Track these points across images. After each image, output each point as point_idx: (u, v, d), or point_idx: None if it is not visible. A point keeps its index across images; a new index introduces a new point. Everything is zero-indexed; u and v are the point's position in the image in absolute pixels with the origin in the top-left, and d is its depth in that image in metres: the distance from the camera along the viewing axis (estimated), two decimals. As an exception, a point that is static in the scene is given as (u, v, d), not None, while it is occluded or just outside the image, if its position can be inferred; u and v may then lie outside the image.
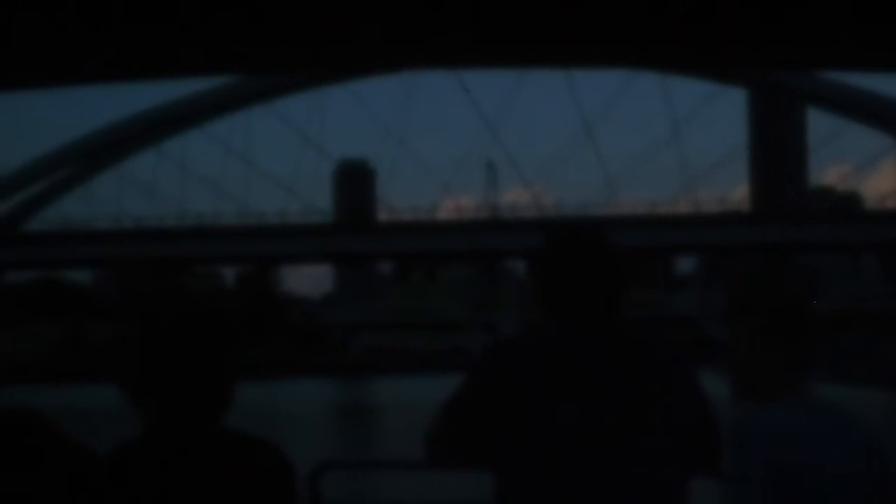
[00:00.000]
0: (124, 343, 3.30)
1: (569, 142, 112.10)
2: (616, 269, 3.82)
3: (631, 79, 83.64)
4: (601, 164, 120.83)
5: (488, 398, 3.74)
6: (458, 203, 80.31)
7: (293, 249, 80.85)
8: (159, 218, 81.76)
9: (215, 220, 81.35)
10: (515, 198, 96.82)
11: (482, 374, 3.78)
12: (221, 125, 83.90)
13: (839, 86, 75.79)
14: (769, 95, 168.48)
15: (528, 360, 3.74)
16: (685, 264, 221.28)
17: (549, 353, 3.74)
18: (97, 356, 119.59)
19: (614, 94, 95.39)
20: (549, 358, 3.73)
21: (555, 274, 3.82)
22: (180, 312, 3.30)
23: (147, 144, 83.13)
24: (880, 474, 3.87)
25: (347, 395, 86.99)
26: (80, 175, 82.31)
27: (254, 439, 3.34)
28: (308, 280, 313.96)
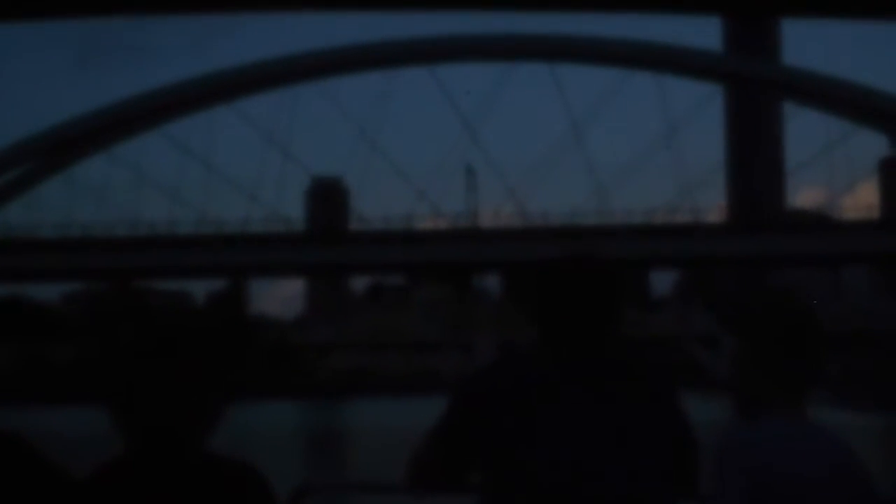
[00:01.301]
0: (111, 362, 3.19)
1: (556, 145, 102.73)
2: (613, 294, 3.74)
3: (624, 78, 75.83)
4: (591, 170, 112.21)
5: (474, 423, 3.68)
6: (435, 211, 70.82)
7: (258, 260, 73.01)
8: (109, 226, 73.92)
9: (171, 229, 73.46)
10: (497, 206, 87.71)
11: (469, 398, 3.72)
12: (180, 127, 74.91)
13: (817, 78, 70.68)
14: (747, 95, 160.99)
15: (515, 384, 3.67)
16: (662, 283, 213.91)
17: (536, 379, 3.67)
18: (57, 378, 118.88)
19: (605, 94, 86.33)
20: (536, 383, 3.66)
21: (551, 303, 3.73)
22: (167, 332, 3.20)
23: (98, 147, 75.15)
24: (861, 497, 3.81)
25: (318, 418, 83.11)
26: (25, 180, 74.38)
27: (236, 462, 3.25)
28: (279, 300, 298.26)
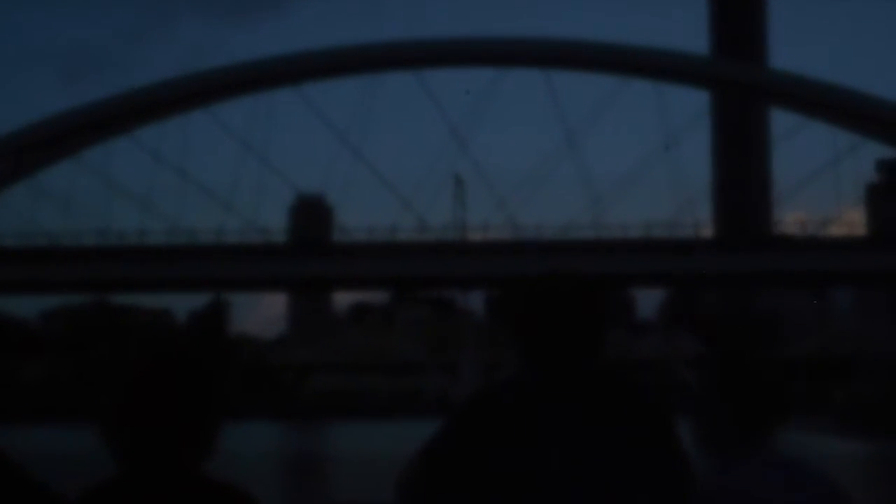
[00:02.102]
0: (107, 384, 3.15)
1: (549, 155, 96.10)
2: (598, 319, 3.72)
3: (621, 85, 70.98)
4: (586, 182, 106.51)
5: (464, 448, 3.64)
6: (421, 223, 65.62)
7: (234, 273, 67.87)
8: (76, 235, 68.88)
9: (141, 239, 68.36)
10: (487, 218, 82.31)
11: (459, 423, 3.69)
12: (152, 132, 69.82)
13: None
14: (735, 105, 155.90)
15: (506, 411, 3.64)
16: (646, 306, 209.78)
17: (527, 405, 3.64)
18: (28, 396, 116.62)
19: (602, 101, 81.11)
20: (526, 410, 3.63)
21: (535, 326, 3.72)
22: (163, 355, 3.15)
23: (65, 152, 70.02)
24: None
25: (298, 442, 79.45)
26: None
27: (228, 485, 3.21)
28: (261, 320, 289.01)
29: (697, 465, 3.78)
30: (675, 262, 66.88)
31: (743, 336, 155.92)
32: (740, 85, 72.60)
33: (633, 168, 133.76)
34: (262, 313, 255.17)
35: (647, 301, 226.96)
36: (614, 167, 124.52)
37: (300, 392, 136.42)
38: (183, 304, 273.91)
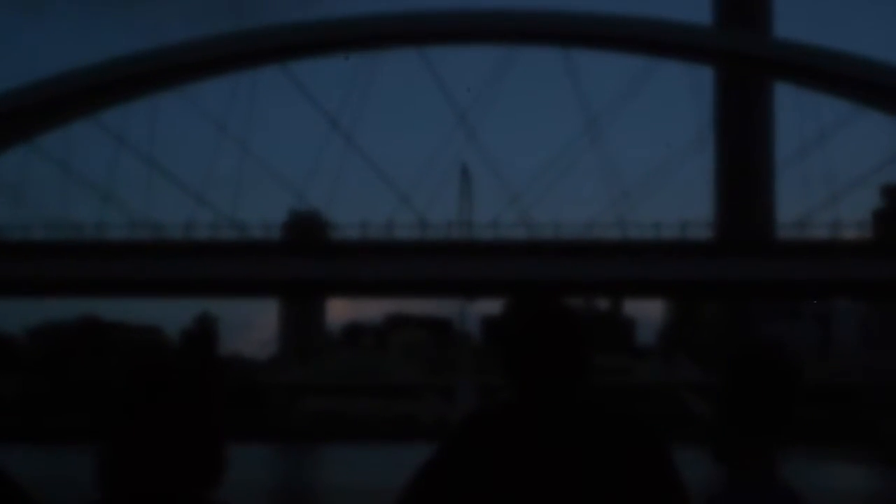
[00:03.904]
0: (94, 406, 3.32)
1: (569, 144, 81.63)
2: (582, 344, 3.71)
3: (650, 68, 60.14)
4: (611, 175, 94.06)
5: (456, 474, 3.63)
6: (421, 220, 54.29)
7: (203, 273, 56.79)
8: (26, 228, 58.08)
9: (100, 233, 57.53)
10: (497, 215, 70.36)
11: (451, 447, 3.67)
12: (116, 114, 59.06)
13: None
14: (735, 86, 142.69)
15: (498, 437, 3.62)
16: (645, 332, 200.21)
17: (519, 431, 3.62)
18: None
19: (629, 85, 68.90)
20: (519, 436, 3.61)
21: (518, 350, 3.70)
22: (166, 376, 2.93)
23: (16, 135, 59.23)
24: None
25: (284, 469, 75.06)
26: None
27: None
28: (253, 341, 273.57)
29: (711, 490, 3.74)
30: (718, 267, 55.86)
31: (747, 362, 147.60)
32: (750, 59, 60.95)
33: (666, 160, 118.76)
34: (255, 334, 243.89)
35: (647, 324, 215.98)
36: (644, 159, 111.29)
37: (290, 414, 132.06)
38: (171, 320, 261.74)
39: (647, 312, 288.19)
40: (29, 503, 2.98)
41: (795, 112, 64.24)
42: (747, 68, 68.50)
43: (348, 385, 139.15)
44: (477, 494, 3.55)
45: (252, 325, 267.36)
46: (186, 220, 58.69)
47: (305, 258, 56.92)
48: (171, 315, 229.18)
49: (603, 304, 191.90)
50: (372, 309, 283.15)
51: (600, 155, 79.99)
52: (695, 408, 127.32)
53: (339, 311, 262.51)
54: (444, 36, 60.58)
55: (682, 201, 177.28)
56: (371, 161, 69.51)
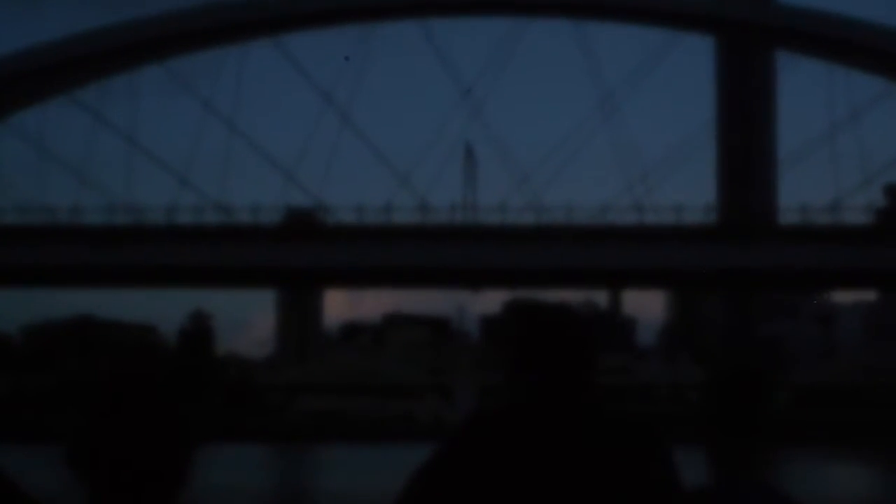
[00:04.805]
0: (79, 413, 2.94)
1: (582, 122, 75.21)
2: (587, 346, 3.69)
3: (670, 41, 55.22)
4: (627, 154, 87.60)
5: (456, 475, 3.59)
6: (421, 203, 48.95)
7: (187, 261, 51.72)
8: (-4, 211, 53.63)
9: (74, 217, 52.58)
10: (504, 198, 64.49)
11: (452, 448, 3.63)
12: (94, 90, 54.05)
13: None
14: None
15: (499, 438, 3.58)
16: (646, 332, 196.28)
17: (520, 432, 3.58)
18: None
19: (647, 59, 63.06)
20: (520, 437, 3.58)
21: (523, 352, 3.67)
22: (132, 377, 2.84)
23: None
24: None
25: (278, 471, 70.69)
26: None
27: None
28: (251, 340, 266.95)
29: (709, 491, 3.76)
30: (740, 254, 50.82)
31: (746, 361, 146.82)
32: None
33: (686, 139, 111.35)
34: (252, 333, 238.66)
35: (649, 325, 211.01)
36: (662, 138, 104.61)
37: (286, 414, 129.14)
38: (167, 317, 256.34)
39: (648, 312, 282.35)
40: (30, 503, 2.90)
41: (821, 89, 59.15)
42: (765, 40, 63.47)
43: (345, 384, 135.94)
44: (480, 495, 3.51)
45: (249, 324, 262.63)
46: (169, 203, 53.76)
47: (296, 244, 52.07)
48: (166, 312, 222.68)
49: (602, 302, 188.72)
50: (370, 308, 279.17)
51: (615, 134, 74.43)
52: (696, 407, 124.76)
53: (337, 309, 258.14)
54: (447, 7, 55.86)
55: (706, 183, 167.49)
56: (368, 140, 63.95)
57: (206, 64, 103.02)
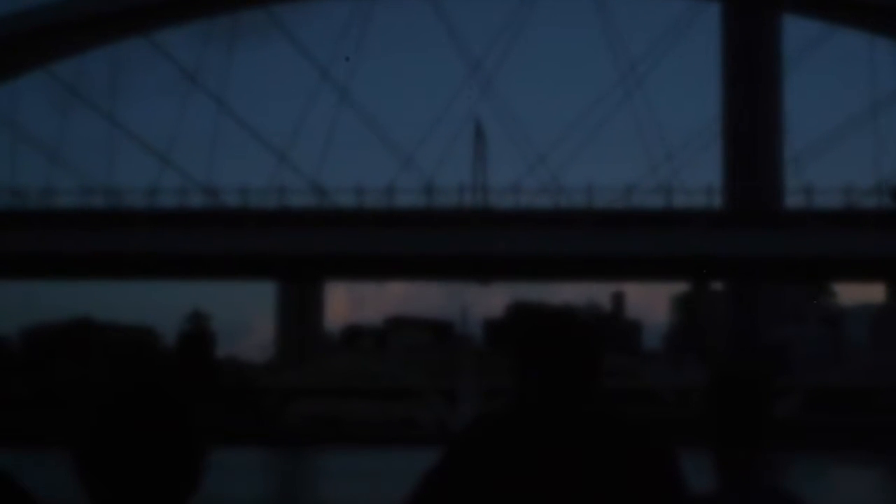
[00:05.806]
0: (81, 420, 2.82)
1: (602, 98, 67.16)
2: (594, 350, 3.64)
3: (695, 8, 49.91)
4: (652, 132, 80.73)
5: (460, 480, 3.57)
6: (427, 185, 43.22)
7: (167, 248, 46.34)
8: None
9: (45, 200, 47.31)
10: (517, 179, 58.61)
11: (456, 453, 3.61)
12: (69, 64, 48.64)
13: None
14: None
15: (503, 442, 3.56)
16: (651, 335, 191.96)
17: (524, 437, 3.56)
18: None
19: (672, 29, 56.37)
20: (524, 442, 3.55)
21: (530, 356, 3.65)
22: (139, 387, 2.72)
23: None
24: None
25: (273, 477, 68.54)
26: None
27: None
28: (252, 344, 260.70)
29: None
30: (777, 240, 45.32)
31: (750, 364, 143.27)
32: None
33: (714, 116, 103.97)
34: (253, 337, 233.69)
35: (654, 328, 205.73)
36: (689, 115, 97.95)
37: (285, 418, 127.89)
38: (166, 319, 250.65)
39: (653, 316, 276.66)
40: None
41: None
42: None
43: (345, 388, 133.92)
44: (485, 499, 3.49)
45: (250, 329, 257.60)
46: (149, 185, 48.34)
47: (289, 229, 46.47)
48: (163, 311, 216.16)
49: (605, 305, 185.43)
50: (372, 311, 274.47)
51: (638, 110, 67.87)
52: (701, 412, 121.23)
53: (339, 313, 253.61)
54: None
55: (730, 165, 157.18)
56: (368, 118, 58.35)
57: (193, 36, 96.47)
